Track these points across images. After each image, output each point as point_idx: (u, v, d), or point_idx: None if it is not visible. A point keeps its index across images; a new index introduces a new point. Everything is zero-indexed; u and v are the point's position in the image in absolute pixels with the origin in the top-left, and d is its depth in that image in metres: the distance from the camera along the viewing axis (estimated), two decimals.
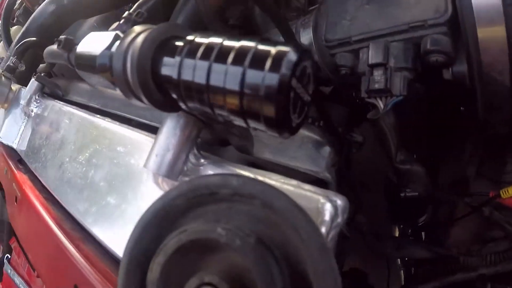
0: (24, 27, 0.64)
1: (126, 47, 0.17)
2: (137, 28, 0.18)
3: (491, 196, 0.38)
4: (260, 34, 0.62)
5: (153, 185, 0.24)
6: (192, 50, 0.15)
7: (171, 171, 0.21)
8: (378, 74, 0.34)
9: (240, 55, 0.13)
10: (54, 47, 0.35)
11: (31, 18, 0.64)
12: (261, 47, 0.14)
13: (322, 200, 0.19)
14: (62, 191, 0.34)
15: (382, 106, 0.34)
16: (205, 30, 0.45)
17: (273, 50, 0.13)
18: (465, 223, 0.41)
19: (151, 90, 0.17)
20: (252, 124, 0.14)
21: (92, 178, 0.32)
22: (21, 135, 0.52)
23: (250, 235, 0.14)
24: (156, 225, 0.16)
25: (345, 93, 0.46)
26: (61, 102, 0.49)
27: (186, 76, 0.15)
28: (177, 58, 0.15)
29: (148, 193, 0.25)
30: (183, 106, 0.17)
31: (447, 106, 0.42)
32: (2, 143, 0.55)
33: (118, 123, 0.35)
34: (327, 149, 0.26)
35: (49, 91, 0.53)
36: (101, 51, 0.21)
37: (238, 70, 0.13)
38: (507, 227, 0.37)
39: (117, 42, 0.20)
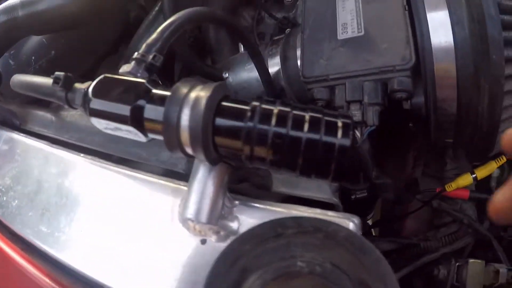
0: None
1: (180, 106, 0.18)
2: (186, 84, 0.19)
3: (437, 191, 0.49)
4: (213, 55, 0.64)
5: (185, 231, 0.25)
6: (264, 116, 0.17)
7: (211, 217, 0.22)
8: (355, 108, 0.40)
9: (314, 124, 0.16)
10: (40, 80, 0.33)
11: None
12: (328, 118, 0.17)
13: (346, 221, 0.24)
14: (59, 246, 0.31)
15: (359, 135, 0.40)
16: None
17: (339, 122, 0.16)
18: (417, 215, 0.52)
19: (210, 150, 0.18)
20: (314, 176, 0.17)
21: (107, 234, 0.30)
22: None
23: (326, 262, 0.17)
24: (227, 271, 0.18)
25: None
26: (22, 134, 0.44)
27: (258, 141, 0.17)
28: (249, 124, 0.17)
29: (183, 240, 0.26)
30: (232, 162, 0.19)
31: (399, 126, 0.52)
32: None
33: (120, 166, 0.33)
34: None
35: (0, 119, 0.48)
36: (134, 103, 0.21)
37: (315, 136, 0.16)
38: (453, 213, 0.49)
39: (154, 94, 0.21)
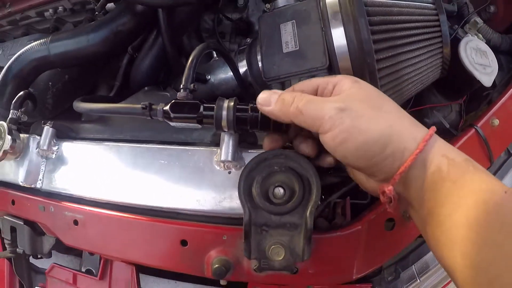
0: (2, 73, 0.78)
1: (222, 109, 0.50)
2: (220, 101, 0.51)
3: None
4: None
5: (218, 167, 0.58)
6: (245, 110, 0.50)
7: (234, 157, 0.55)
8: None
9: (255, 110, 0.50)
10: (114, 105, 0.63)
11: (6, 67, 0.78)
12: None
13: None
14: (141, 195, 0.62)
15: None
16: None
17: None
18: None
19: (234, 128, 0.51)
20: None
21: (164, 180, 0.62)
22: (43, 177, 0.73)
23: (285, 166, 0.50)
24: (251, 171, 0.50)
25: None
26: (84, 141, 0.73)
27: (247, 120, 0.50)
28: (251, 113, 0.50)
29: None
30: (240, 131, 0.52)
31: None
32: (25, 187, 0.73)
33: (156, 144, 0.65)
34: None
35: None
36: (198, 113, 0.53)
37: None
38: None
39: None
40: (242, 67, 0.80)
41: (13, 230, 0.79)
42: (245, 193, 0.50)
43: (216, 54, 0.90)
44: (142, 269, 0.68)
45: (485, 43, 0.69)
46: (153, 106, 0.56)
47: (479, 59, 0.63)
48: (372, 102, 0.42)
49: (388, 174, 0.42)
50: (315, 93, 0.47)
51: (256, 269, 0.53)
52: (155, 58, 0.84)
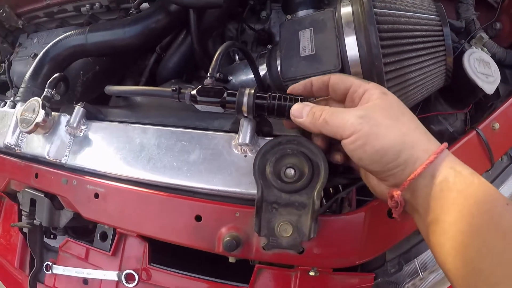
0: (38, 58, 0.86)
1: (243, 95, 0.57)
2: (242, 89, 0.58)
3: None
4: None
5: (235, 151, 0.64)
6: (264, 97, 0.57)
7: (251, 141, 0.61)
8: None
9: (280, 98, 0.56)
10: (143, 88, 0.70)
11: (45, 50, 0.85)
12: (284, 95, 0.57)
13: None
14: (161, 173, 0.67)
15: None
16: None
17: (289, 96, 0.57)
18: None
19: (253, 113, 0.57)
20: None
21: (185, 160, 0.67)
22: (69, 153, 0.78)
23: (298, 150, 0.55)
24: (266, 152, 0.56)
25: None
26: (111, 123, 0.80)
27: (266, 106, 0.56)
28: (269, 101, 0.56)
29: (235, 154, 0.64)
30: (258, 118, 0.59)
31: None
32: (49, 162, 0.79)
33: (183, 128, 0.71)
34: None
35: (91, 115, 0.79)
36: (221, 97, 0.59)
37: (282, 103, 0.56)
38: None
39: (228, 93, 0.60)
40: (262, 70, 0.88)
41: (32, 202, 0.84)
42: (259, 171, 0.55)
43: (238, 58, 0.97)
44: (153, 260, 0.72)
45: (490, 56, 0.75)
46: (182, 90, 0.62)
47: (482, 69, 0.69)
48: (391, 112, 0.46)
49: (399, 180, 0.45)
50: (347, 90, 0.52)
51: (264, 247, 0.58)
52: (183, 56, 0.91)
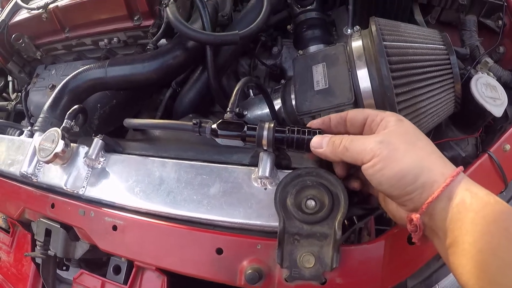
0: (57, 89, 0.88)
1: (263, 130, 0.59)
2: (262, 123, 0.61)
3: None
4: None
5: (255, 184, 0.66)
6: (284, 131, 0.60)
7: (271, 175, 0.63)
8: None
9: (299, 132, 0.59)
10: (165, 121, 0.73)
11: (64, 81, 0.87)
12: (303, 129, 0.60)
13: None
14: (181, 206, 0.68)
15: None
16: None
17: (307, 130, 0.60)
18: None
19: (273, 147, 0.59)
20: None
21: (205, 194, 0.69)
22: (86, 185, 0.79)
23: (317, 182, 0.57)
24: (286, 184, 0.58)
25: None
26: (131, 155, 0.82)
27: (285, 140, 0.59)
28: (287, 134, 0.59)
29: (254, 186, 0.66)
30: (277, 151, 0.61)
31: None
32: (66, 193, 0.80)
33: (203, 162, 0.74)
34: None
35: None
36: (242, 131, 0.62)
37: (300, 136, 0.58)
38: None
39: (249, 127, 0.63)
40: (277, 105, 0.91)
41: (47, 233, 0.84)
42: (281, 203, 0.57)
43: (253, 93, 1.01)
44: None
45: (496, 80, 0.78)
46: (202, 124, 0.65)
47: (489, 93, 0.72)
48: (408, 138, 0.49)
49: (417, 204, 0.47)
50: (365, 121, 0.54)
51: (287, 278, 0.59)
52: (199, 92, 0.95)
